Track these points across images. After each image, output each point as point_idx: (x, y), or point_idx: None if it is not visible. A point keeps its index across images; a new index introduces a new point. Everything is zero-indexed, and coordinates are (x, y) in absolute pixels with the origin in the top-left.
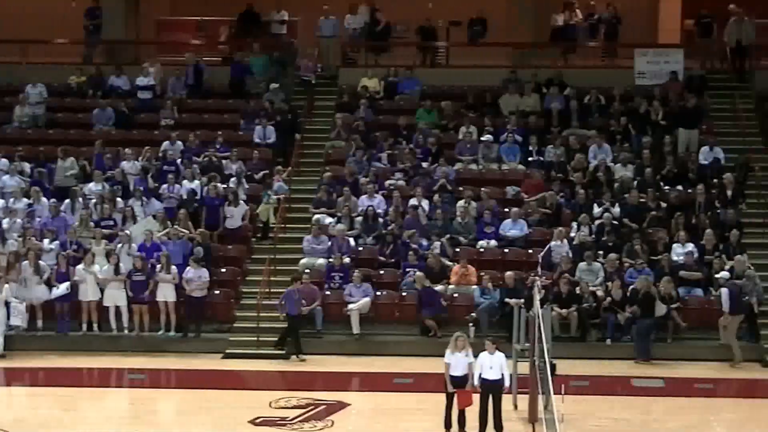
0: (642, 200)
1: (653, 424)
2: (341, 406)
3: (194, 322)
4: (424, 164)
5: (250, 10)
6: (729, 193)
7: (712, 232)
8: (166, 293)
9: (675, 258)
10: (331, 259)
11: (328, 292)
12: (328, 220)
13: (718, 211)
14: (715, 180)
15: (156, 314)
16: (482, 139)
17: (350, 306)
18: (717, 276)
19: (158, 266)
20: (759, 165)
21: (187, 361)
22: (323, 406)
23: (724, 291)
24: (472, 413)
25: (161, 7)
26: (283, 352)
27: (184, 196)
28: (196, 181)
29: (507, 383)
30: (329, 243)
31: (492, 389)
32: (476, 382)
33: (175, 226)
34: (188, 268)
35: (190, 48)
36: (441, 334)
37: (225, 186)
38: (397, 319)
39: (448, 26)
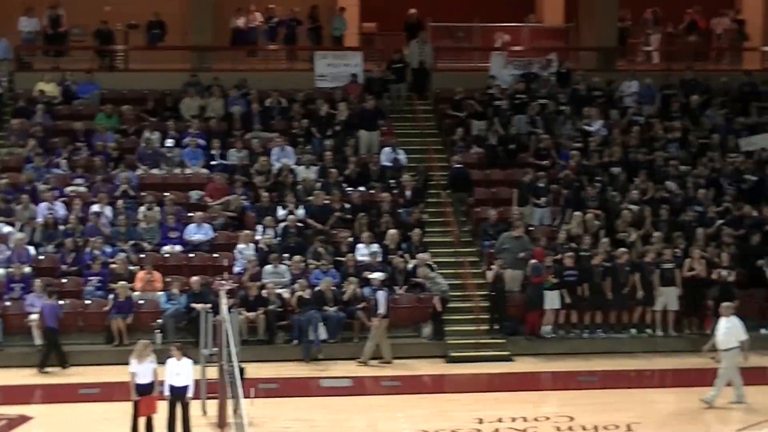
0: (326, 201)
1: (342, 423)
2: (23, 419)
3: None
4: (106, 170)
5: None
6: (409, 193)
7: (395, 232)
8: None
9: (359, 258)
10: (10, 269)
11: (8, 303)
12: (6, 228)
13: (401, 211)
14: (396, 180)
15: None
16: (165, 143)
17: (31, 317)
18: (370, 276)
19: None
20: (438, 165)
21: None
22: (4, 421)
23: (380, 294)
24: (161, 421)
25: None
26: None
27: None
28: None
29: (191, 390)
30: (8, 252)
31: (180, 396)
32: (166, 389)
33: None
34: None
35: None
36: (128, 341)
37: None
38: (81, 328)
39: (126, 29)
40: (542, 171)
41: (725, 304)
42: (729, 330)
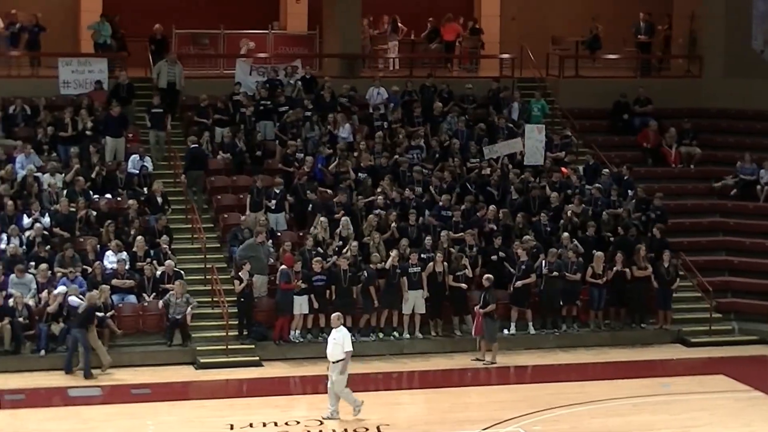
0: (72, 209)
1: None
2: None
3: None
4: None
5: None
6: (159, 200)
7: (143, 239)
8: None
9: (107, 266)
10: None
11: None
12: None
13: (148, 218)
14: (144, 188)
15: None
16: None
17: None
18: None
19: None
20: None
21: None
22: None
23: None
24: None
25: None
26: None
27: None
28: None
29: None
30: None
31: None
32: None
33: None
34: None
35: None
36: None
37: None
38: None
39: None
40: (286, 177)
41: (334, 315)
42: (336, 341)
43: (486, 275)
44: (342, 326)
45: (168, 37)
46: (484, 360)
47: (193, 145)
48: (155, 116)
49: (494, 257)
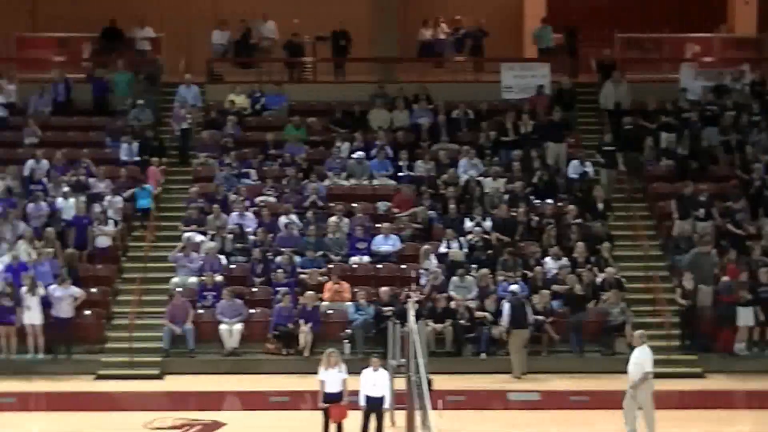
0: (513, 214)
1: None
2: (217, 425)
3: (63, 343)
4: (294, 181)
5: (113, 26)
6: (600, 206)
7: (583, 245)
8: (32, 316)
9: (547, 270)
10: (202, 277)
11: (200, 311)
12: (199, 237)
13: (588, 223)
14: (583, 193)
15: (24, 336)
16: (353, 155)
17: (223, 325)
18: (507, 291)
19: (23, 288)
20: (625, 177)
21: (58, 383)
22: (199, 426)
23: (505, 306)
24: (352, 430)
25: (21, 23)
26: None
27: (53, 216)
28: (63, 199)
29: (388, 401)
30: (200, 261)
31: (375, 406)
32: (361, 399)
33: (42, 245)
34: (53, 286)
35: (52, 65)
36: (309, 352)
37: (97, 205)
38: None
39: (315, 42)
40: (742, 183)
41: (637, 332)
42: (638, 360)
43: None
44: (645, 345)
45: (616, 63)
46: None
47: (628, 127)
48: (607, 154)
49: None
